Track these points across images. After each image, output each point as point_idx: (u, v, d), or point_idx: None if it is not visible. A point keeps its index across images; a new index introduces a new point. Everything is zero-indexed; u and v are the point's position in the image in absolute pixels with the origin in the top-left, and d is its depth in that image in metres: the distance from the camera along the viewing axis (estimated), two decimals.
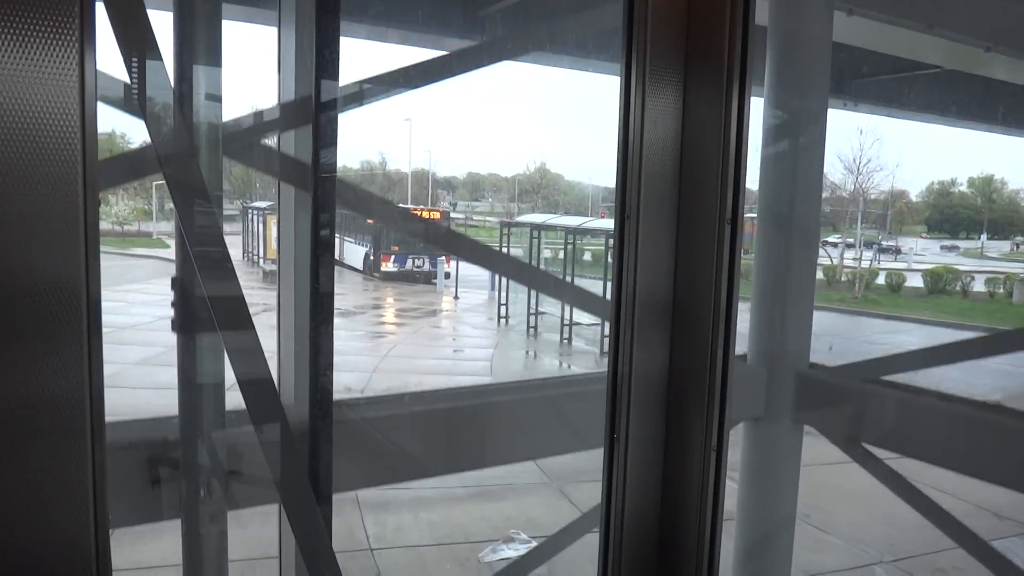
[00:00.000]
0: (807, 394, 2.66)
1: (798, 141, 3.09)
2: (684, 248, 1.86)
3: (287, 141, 2.36)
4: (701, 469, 1.83)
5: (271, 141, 2.48)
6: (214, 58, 2.18)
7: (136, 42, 1.79)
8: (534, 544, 6.26)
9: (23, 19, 1.01)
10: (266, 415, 1.90)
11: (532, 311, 16.55)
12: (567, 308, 15.03)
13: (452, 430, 2.30)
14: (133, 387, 9.18)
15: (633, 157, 1.79)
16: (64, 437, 1.07)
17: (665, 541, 1.95)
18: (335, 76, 2.09)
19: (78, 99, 1.05)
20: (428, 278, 27.27)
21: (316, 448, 2.16)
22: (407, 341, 15.25)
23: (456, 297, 24.47)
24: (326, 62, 2.08)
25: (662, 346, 1.89)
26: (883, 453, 2.87)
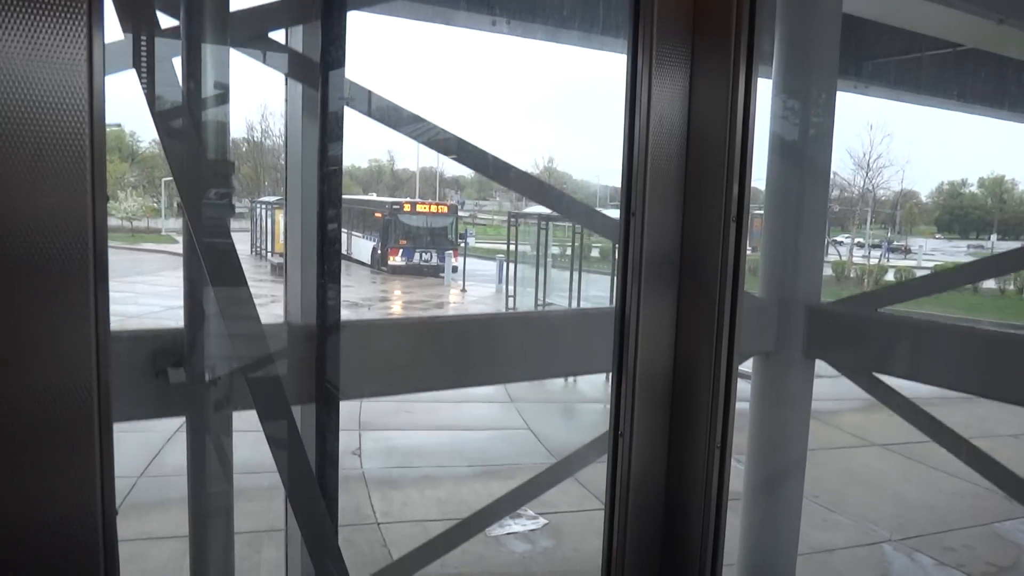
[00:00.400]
0: (819, 328, 2.64)
1: (807, 120, 3.06)
2: (689, 244, 1.86)
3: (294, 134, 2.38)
4: (705, 466, 1.82)
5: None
6: (221, 55, 2.19)
7: (145, 38, 1.82)
8: (542, 521, 6.26)
9: (31, 13, 1.01)
10: (273, 411, 1.93)
11: (539, 303, 16.53)
12: (574, 299, 15.01)
13: (461, 348, 2.30)
14: None
15: (639, 141, 1.78)
16: (72, 427, 1.08)
17: (669, 537, 1.95)
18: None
19: (87, 96, 1.05)
20: (436, 272, 27.33)
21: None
22: None
23: (463, 290, 24.49)
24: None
25: (667, 343, 1.89)
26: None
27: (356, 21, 2.26)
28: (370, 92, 2.37)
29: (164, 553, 5.46)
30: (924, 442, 8.93)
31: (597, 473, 7.19)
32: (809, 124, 3.00)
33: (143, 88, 1.86)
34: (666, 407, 1.92)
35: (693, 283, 1.87)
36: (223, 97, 2.19)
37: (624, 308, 1.84)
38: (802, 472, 2.81)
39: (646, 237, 1.83)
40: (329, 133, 2.13)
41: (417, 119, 2.39)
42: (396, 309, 19.27)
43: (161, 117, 1.83)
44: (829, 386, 10.70)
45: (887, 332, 2.57)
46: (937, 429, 2.65)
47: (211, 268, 1.79)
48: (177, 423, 7.92)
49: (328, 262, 2.12)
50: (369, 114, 2.26)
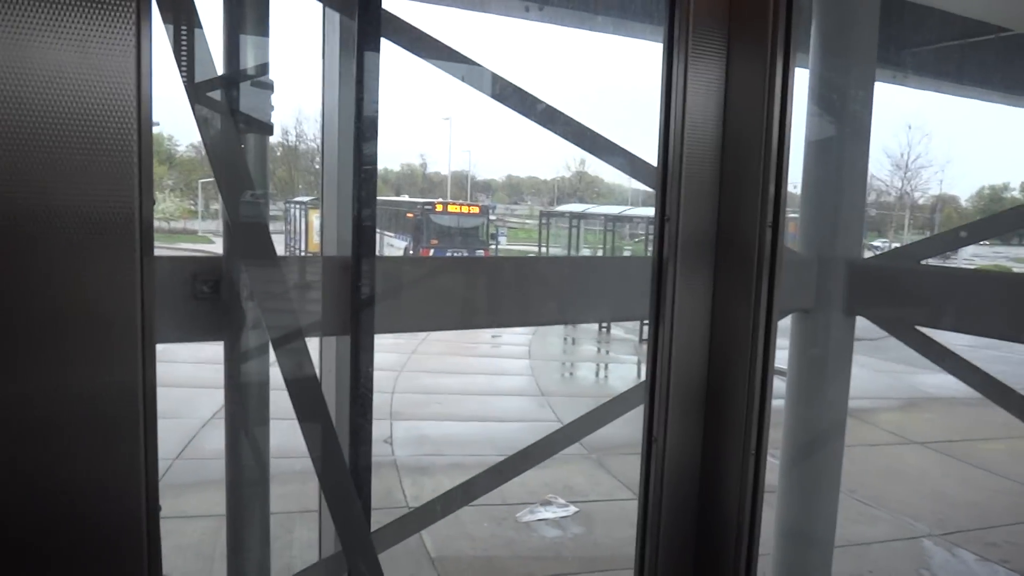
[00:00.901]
0: (859, 284, 2.57)
1: (844, 114, 2.98)
2: (724, 248, 1.84)
3: (330, 135, 2.42)
4: (740, 473, 1.80)
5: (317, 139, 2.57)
6: (262, 57, 2.24)
7: (187, 40, 1.87)
8: (573, 509, 6.22)
9: (80, 19, 1.04)
10: (311, 413, 1.97)
11: None
12: None
13: (493, 288, 2.29)
14: (173, 360, 9.38)
15: (674, 138, 1.77)
16: (119, 426, 1.11)
17: (702, 545, 1.93)
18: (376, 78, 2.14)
19: (134, 97, 1.07)
20: None
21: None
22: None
23: None
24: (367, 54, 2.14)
25: (702, 348, 1.88)
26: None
27: (391, 10, 2.29)
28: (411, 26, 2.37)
29: (198, 530, 5.53)
30: (964, 440, 8.72)
31: (627, 464, 7.18)
32: (846, 118, 2.95)
33: (183, 80, 1.91)
34: (700, 412, 1.90)
35: (728, 288, 1.85)
36: (265, 92, 2.24)
37: (658, 313, 1.83)
38: (842, 438, 2.74)
39: (681, 241, 1.81)
40: (364, 133, 2.16)
41: (463, 58, 2.39)
42: None
43: (201, 111, 1.87)
44: (868, 384, 10.48)
45: (932, 284, 2.49)
46: (988, 384, 2.57)
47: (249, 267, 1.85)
48: (212, 411, 8.02)
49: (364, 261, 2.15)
50: (411, 49, 2.27)
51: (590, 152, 2.47)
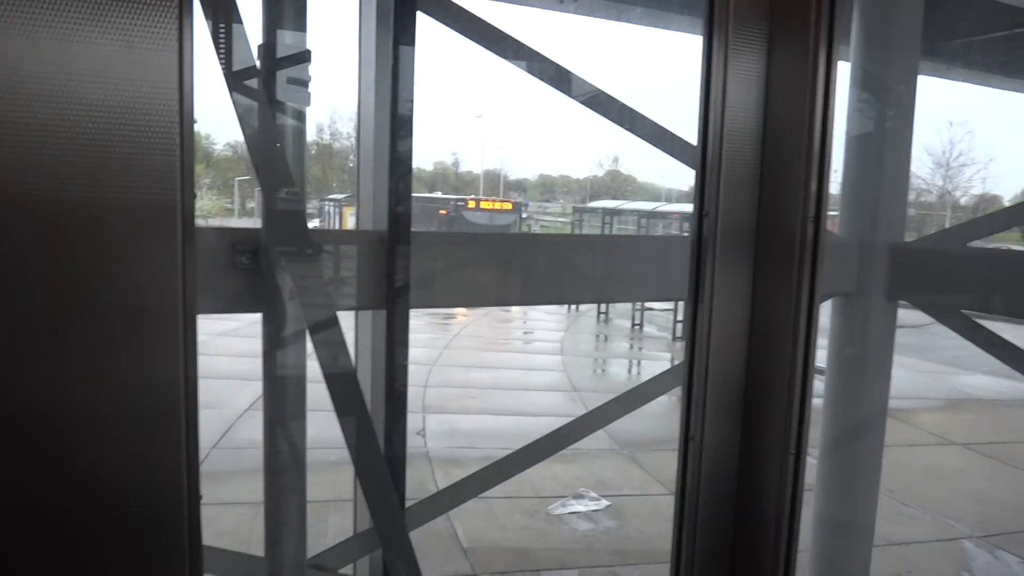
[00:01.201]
0: (903, 267, 2.52)
1: (885, 109, 2.92)
2: (764, 245, 1.82)
3: (366, 132, 2.45)
4: (779, 472, 1.79)
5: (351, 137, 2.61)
6: (300, 56, 2.27)
7: (226, 33, 1.90)
8: (605, 502, 6.20)
9: (124, 15, 1.06)
10: (349, 407, 2.01)
11: None
12: None
13: (528, 265, 2.29)
14: (212, 354, 9.55)
15: (714, 133, 1.76)
16: (162, 414, 1.14)
17: (740, 543, 1.92)
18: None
19: (176, 93, 1.10)
20: None
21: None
22: (477, 323, 15.35)
23: None
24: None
25: (741, 347, 1.86)
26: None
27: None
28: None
29: (235, 516, 5.63)
30: (1009, 442, 8.49)
31: (660, 460, 7.14)
32: (888, 109, 2.89)
33: (223, 70, 1.94)
34: (739, 409, 1.89)
35: (768, 283, 1.83)
36: (303, 89, 2.27)
37: (696, 308, 1.82)
38: (883, 428, 2.69)
39: (720, 235, 1.79)
40: (399, 128, 2.18)
41: (505, 36, 2.39)
42: None
43: (244, 114, 1.91)
44: (908, 384, 10.27)
45: (979, 267, 2.43)
46: None
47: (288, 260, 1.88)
48: (248, 400, 8.15)
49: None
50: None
51: (637, 135, 2.45)
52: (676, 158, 2.36)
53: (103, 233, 1.07)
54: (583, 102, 2.45)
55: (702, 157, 1.79)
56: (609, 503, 6.24)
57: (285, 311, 2.05)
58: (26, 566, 1.08)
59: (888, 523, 5.89)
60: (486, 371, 10.95)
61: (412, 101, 2.18)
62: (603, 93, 2.47)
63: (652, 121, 2.44)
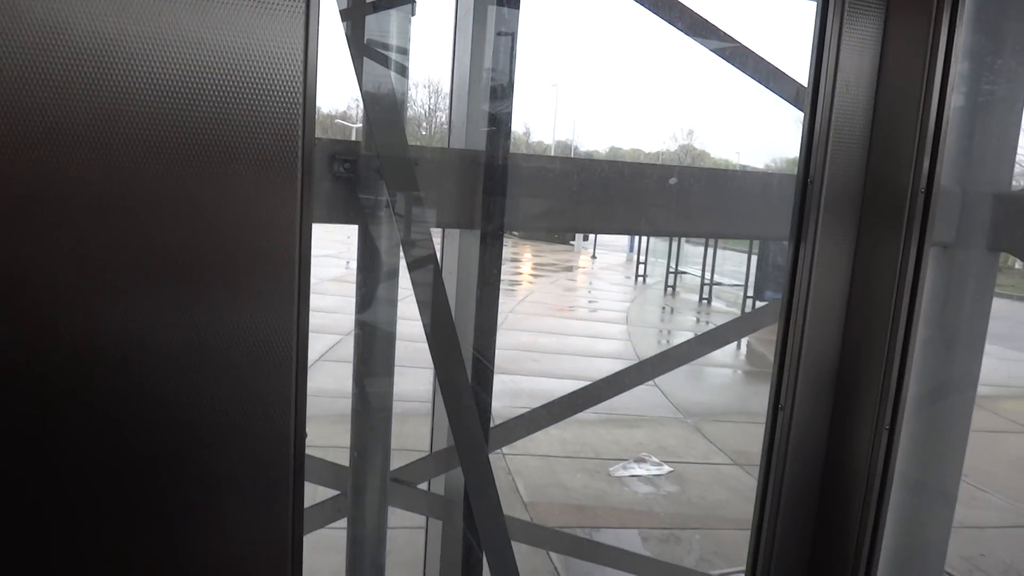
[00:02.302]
0: (1007, 217, 2.43)
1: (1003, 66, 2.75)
2: (869, 219, 1.79)
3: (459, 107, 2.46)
4: (870, 447, 1.77)
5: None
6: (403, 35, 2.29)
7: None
8: (666, 468, 6.27)
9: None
10: (439, 321, 2.03)
11: (671, 269, 16.25)
12: (707, 268, 14.65)
13: (629, 195, 2.28)
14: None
15: (825, 91, 1.74)
16: (275, 354, 1.20)
17: (824, 517, 1.92)
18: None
19: (301, 85, 1.14)
20: (564, 238, 27.39)
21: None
22: (542, 290, 15.45)
23: (593, 256, 24.40)
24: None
25: (838, 320, 1.84)
26: None
27: None
28: None
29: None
30: None
31: (723, 430, 7.11)
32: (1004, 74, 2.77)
33: (352, 57, 1.99)
34: (831, 383, 1.88)
35: (872, 256, 1.81)
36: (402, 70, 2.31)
37: (794, 277, 1.82)
38: (973, 390, 2.62)
39: (824, 204, 1.78)
40: (496, 90, 2.20)
41: None
42: (526, 270, 19.52)
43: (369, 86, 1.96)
44: (992, 372, 9.92)
45: None
46: None
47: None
48: (319, 353, 8.43)
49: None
50: None
51: (750, 76, 2.40)
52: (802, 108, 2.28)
53: (228, 176, 1.11)
54: (698, 36, 2.40)
55: (809, 122, 1.79)
56: (671, 469, 6.31)
57: (380, 224, 2.09)
58: (143, 496, 1.15)
59: (964, 506, 5.78)
60: (551, 336, 11.06)
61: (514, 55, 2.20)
62: (741, 46, 2.44)
63: (794, 80, 2.39)
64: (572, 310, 13.89)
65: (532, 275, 18.33)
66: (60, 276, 1.02)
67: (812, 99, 1.79)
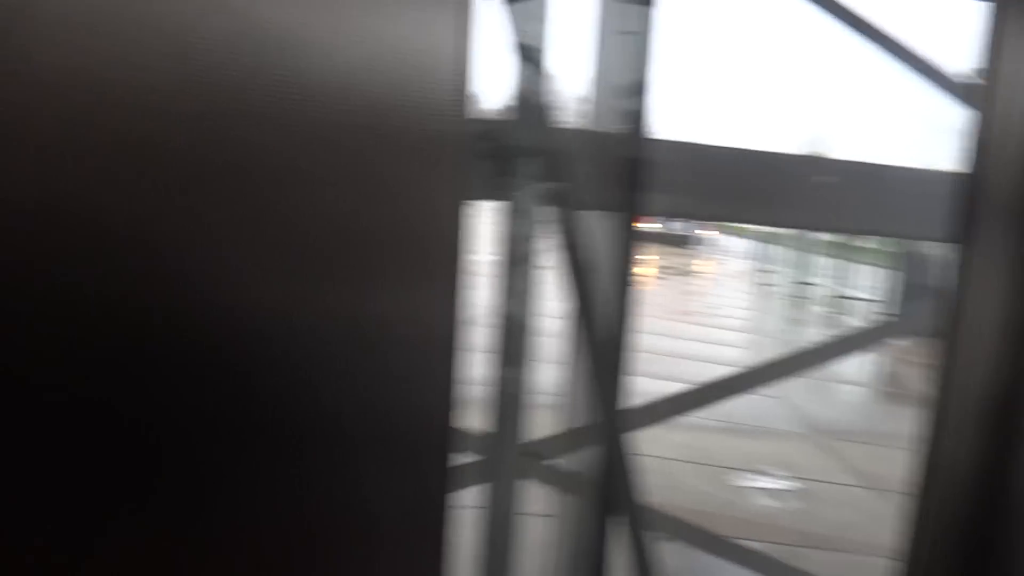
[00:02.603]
0: None
1: None
2: None
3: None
4: None
5: None
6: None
7: None
8: (789, 483, 6.02)
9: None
10: (582, 298, 2.02)
11: (801, 280, 15.58)
12: (838, 280, 13.94)
13: (773, 185, 2.19)
14: None
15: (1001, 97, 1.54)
16: (434, 341, 1.18)
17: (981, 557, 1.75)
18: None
19: (455, 42, 1.11)
20: (682, 242, 26.85)
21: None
22: (659, 292, 15.18)
23: (714, 261, 23.77)
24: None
25: (998, 344, 1.63)
26: None
27: None
28: None
29: None
30: None
31: (851, 450, 6.74)
32: None
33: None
34: (993, 410, 1.67)
35: None
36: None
37: (959, 295, 1.65)
38: None
39: (983, 224, 1.59)
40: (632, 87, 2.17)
41: None
42: (647, 271, 19.26)
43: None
44: None
45: None
46: None
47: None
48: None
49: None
50: None
51: (903, 62, 2.26)
52: (968, 104, 2.15)
53: (377, 159, 1.09)
54: (837, 15, 2.29)
55: (979, 135, 1.63)
56: (797, 485, 6.04)
57: (526, 202, 2.09)
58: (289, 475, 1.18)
59: None
60: (667, 339, 10.86)
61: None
62: (901, 44, 2.32)
63: (951, 77, 2.26)
64: (690, 315, 13.56)
65: (656, 278, 18.02)
66: (235, 248, 1.03)
67: (985, 94, 1.63)
